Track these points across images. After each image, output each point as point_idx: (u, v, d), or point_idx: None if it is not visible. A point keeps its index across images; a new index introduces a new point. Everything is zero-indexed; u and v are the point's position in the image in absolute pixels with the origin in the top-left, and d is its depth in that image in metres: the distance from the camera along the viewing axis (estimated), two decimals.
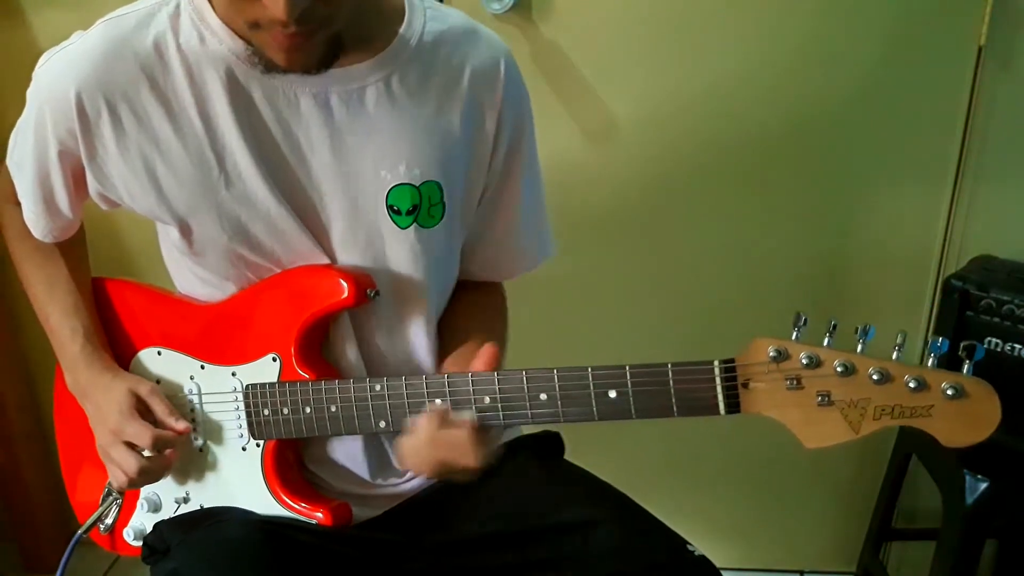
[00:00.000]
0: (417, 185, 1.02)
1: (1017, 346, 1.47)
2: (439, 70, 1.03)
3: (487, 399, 0.95)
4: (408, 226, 1.03)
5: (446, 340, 1.12)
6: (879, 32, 1.55)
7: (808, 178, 1.65)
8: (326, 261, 1.04)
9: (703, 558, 1.05)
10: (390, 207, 1.02)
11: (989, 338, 1.50)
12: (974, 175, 1.61)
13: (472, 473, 0.97)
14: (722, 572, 1.05)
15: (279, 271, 1.05)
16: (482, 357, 0.98)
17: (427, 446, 0.96)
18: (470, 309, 1.16)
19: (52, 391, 1.22)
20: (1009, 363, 1.47)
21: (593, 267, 1.72)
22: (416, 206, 1.03)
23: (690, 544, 1.06)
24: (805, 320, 0.86)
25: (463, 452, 0.95)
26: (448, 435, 0.95)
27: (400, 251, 1.04)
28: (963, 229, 1.64)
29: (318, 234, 1.03)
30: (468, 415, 0.96)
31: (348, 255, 1.04)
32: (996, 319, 1.48)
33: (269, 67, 0.94)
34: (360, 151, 1.01)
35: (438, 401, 0.97)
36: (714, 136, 1.62)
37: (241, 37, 0.96)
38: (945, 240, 1.66)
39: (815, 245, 1.69)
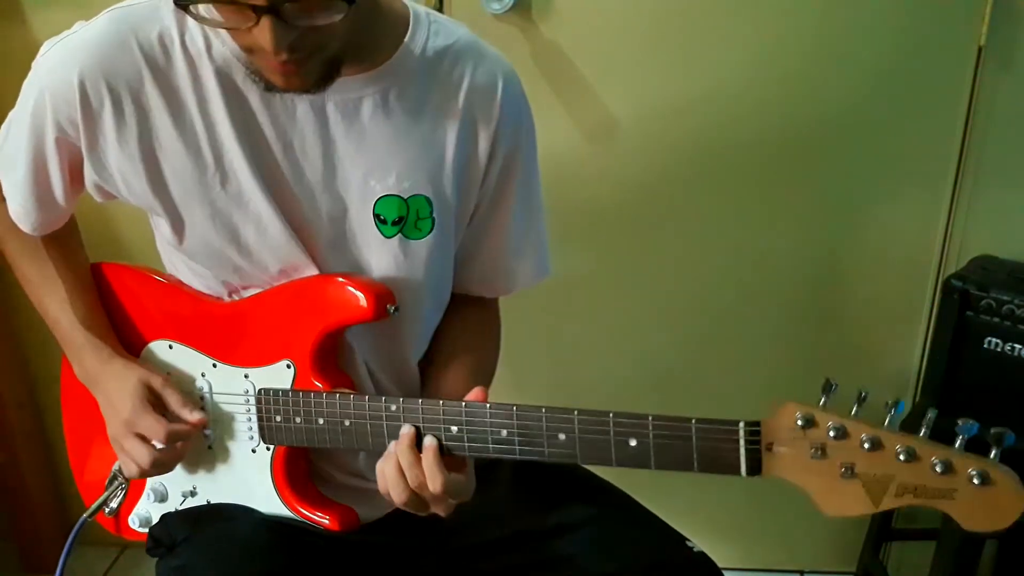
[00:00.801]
0: (405, 198, 1.02)
1: (1017, 346, 1.47)
2: (438, 86, 1.03)
3: (504, 432, 0.94)
4: (392, 236, 1.03)
5: (434, 353, 1.13)
6: (879, 32, 1.55)
7: (808, 178, 1.65)
8: (313, 269, 1.04)
9: (702, 554, 1.05)
10: (376, 216, 1.03)
11: (989, 338, 1.50)
12: (974, 175, 1.61)
13: (442, 504, 0.97)
14: (722, 572, 1.06)
15: (264, 276, 1.05)
16: (470, 398, 0.97)
17: (397, 471, 0.96)
18: (461, 325, 1.15)
19: (52, 390, 1.22)
20: (1009, 363, 1.47)
21: (591, 267, 1.71)
22: (402, 218, 1.03)
23: (689, 540, 1.06)
24: (835, 387, 0.84)
25: (429, 477, 0.94)
26: (414, 460, 0.95)
27: (382, 259, 1.04)
28: (963, 229, 1.64)
29: (305, 238, 1.03)
30: (430, 440, 0.95)
31: (332, 259, 1.04)
32: (996, 319, 1.49)
33: (269, 87, 0.95)
34: (352, 160, 1.01)
35: (407, 427, 0.97)
36: (714, 136, 1.62)
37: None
38: (945, 240, 1.66)
39: (815, 245, 1.69)
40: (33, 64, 1.03)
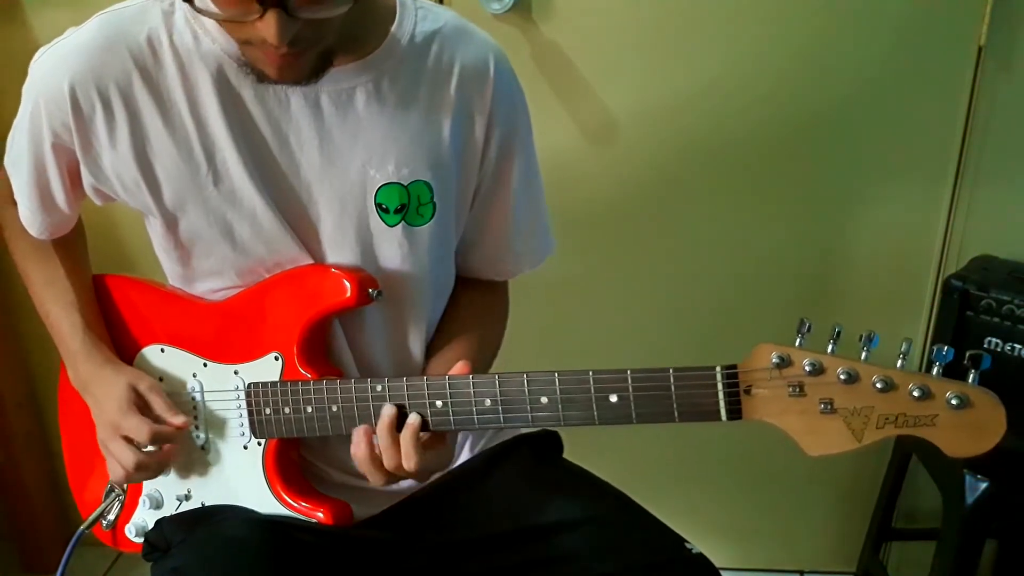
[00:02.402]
0: (405, 184, 1.03)
1: (1017, 346, 1.47)
2: (429, 71, 1.03)
3: (488, 401, 0.95)
4: (396, 224, 1.04)
5: (437, 334, 1.13)
6: (879, 32, 1.55)
7: (808, 178, 1.65)
8: (310, 262, 1.04)
9: (701, 556, 1.05)
10: (378, 205, 1.03)
11: (989, 338, 1.50)
12: (974, 175, 1.61)
13: (420, 476, 0.98)
14: (722, 572, 1.06)
15: (264, 272, 1.06)
16: (454, 372, 0.98)
17: (369, 456, 0.98)
18: (467, 306, 1.16)
19: (52, 390, 1.22)
20: (1009, 363, 1.47)
21: (592, 266, 1.72)
22: (404, 205, 1.03)
23: (688, 542, 1.06)
24: (809, 326, 0.85)
25: (406, 455, 0.96)
26: (393, 439, 0.96)
27: (388, 248, 1.05)
28: (963, 229, 1.64)
29: (304, 234, 1.04)
30: (414, 418, 0.96)
31: (337, 253, 1.04)
32: (996, 319, 1.49)
33: (261, 78, 0.95)
34: (349, 150, 1.01)
35: (388, 407, 0.97)
36: (714, 136, 1.62)
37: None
38: (945, 240, 1.66)
39: (815, 244, 1.69)
40: (28, 70, 1.04)
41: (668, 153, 1.64)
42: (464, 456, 1.16)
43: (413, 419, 0.96)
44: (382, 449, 0.97)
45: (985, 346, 1.50)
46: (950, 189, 1.62)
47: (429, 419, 0.97)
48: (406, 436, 0.96)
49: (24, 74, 1.04)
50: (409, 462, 0.95)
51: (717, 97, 1.60)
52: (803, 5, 1.55)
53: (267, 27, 0.85)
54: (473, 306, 1.17)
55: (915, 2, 1.53)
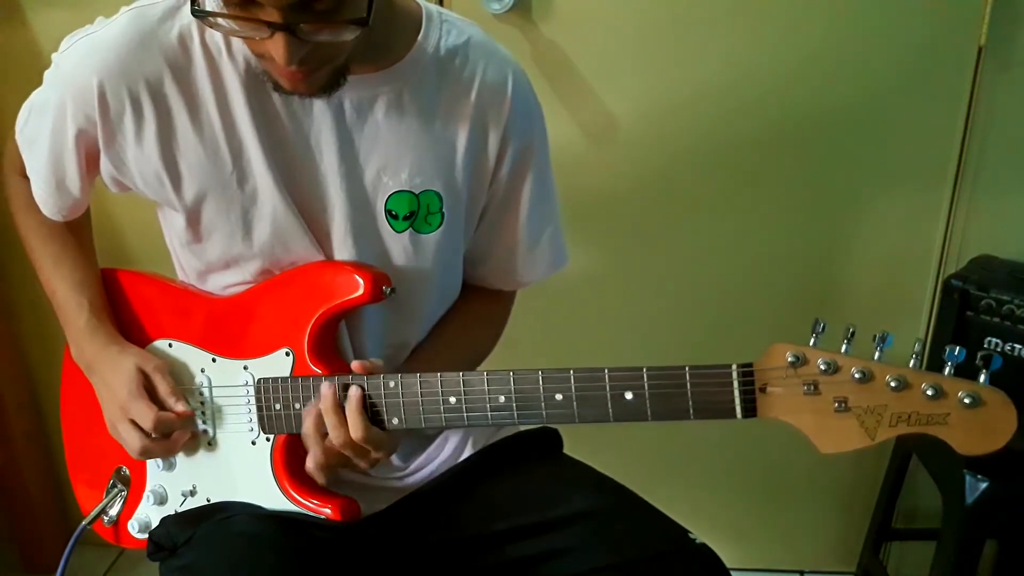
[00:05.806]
0: (416, 193, 1.04)
1: (1017, 346, 1.47)
2: (450, 84, 1.04)
3: (502, 398, 0.95)
4: (403, 230, 1.05)
5: (432, 330, 1.14)
6: (879, 32, 1.55)
7: (809, 178, 1.65)
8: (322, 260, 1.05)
9: (704, 546, 1.05)
10: (388, 211, 1.04)
11: (989, 338, 1.50)
12: (974, 175, 1.61)
13: (364, 455, 0.99)
14: (723, 563, 1.06)
15: (277, 270, 1.07)
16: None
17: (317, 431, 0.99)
18: (464, 312, 1.17)
19: (52, 391, 1.22)
20: (1009, 363, 1.47)
21: (592, 267, 1.72)
22: (413, 212, 1.04)
23: (691, 532, 1.06)
24: (824, 326, 0.86)
25: (353, 427, 0.97)
26: (339, 418, 0.98)
27: (394, 253, 1.06)
28: (963, 229, 1.65)
29: (318, 233, 1.04)
30: (354, 391, 0.97)
31: (343, 253, 1.05)
32: (996, 319, 1.49)
33: (277, 88, 0.96)
34: (366, 156, 1.03)
35: (324, 384, 0.99)
36: (714, 136, 1.63)
37: None
38: (945, 240, 1.66)
39: (815, 244, 1.70)
40: (54, 58, 1.04)
41: (668, 153, 1.65)
42: (466, 453, 1.16)
43: (354, 392, 0.98)
44: (329, 428, 0.98)
45: (985, 346, 1.50)
46: (950, 189, 1.63)
47: (443, 416, 0.97)
48: (351, 407, 0.97)
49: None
50: (356, 431, 0.96)
51: (717, 98, 1.60)
52: (803, 6, 1.55)
53: (276, 48, 0.86)
54: (470, 313, 1.17)
55: (915, 2, 1.53)
